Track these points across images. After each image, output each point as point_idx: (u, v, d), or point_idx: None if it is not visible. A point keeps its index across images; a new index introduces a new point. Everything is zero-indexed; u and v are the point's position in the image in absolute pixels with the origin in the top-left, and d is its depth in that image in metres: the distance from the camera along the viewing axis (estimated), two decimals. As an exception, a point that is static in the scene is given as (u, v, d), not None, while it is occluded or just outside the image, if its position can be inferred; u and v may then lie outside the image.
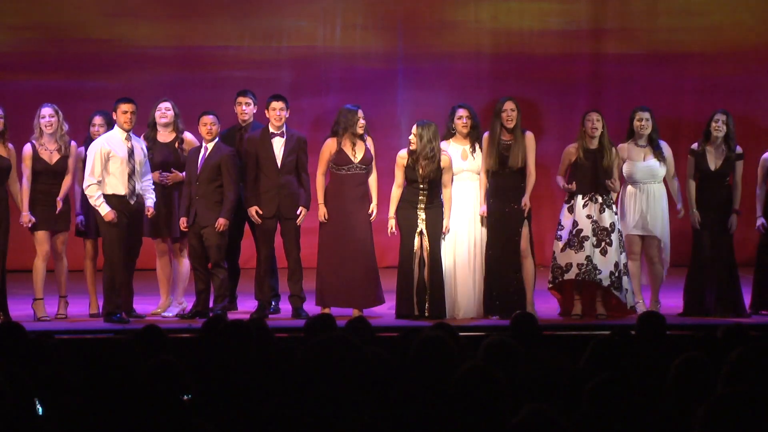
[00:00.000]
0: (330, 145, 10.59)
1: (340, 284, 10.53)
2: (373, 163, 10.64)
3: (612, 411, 4.98)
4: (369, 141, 10.65)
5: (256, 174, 10.62)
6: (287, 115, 10.68)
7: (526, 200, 10.53)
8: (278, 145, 10.63)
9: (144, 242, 10.78)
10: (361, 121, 10.56)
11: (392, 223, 10.58)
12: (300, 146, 10.65)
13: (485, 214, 10.55)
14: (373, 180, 10.64)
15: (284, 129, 10.65)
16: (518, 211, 10.53)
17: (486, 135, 10.57)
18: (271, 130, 10.64)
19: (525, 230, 10.56)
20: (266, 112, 10.69)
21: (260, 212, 10.59)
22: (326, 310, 10.36)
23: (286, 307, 10.87)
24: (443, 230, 10.52)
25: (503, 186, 10.55)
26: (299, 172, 10.67)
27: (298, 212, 10.65)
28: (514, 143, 10.50)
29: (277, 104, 10.61)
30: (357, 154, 10.58)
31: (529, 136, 10.60)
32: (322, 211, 10.57)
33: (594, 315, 10.53)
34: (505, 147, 10.51)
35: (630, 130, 10.70)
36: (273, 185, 10.61)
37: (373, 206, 10.59)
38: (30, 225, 10.42)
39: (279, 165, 10.60)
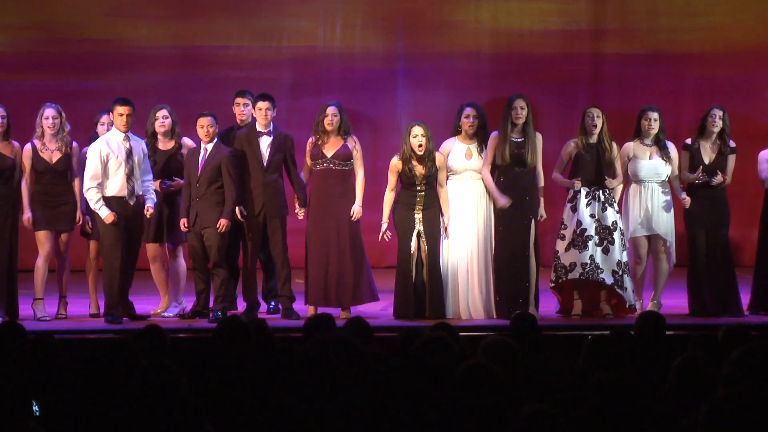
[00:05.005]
0: (309, 142, 10.62)
1: (323, 283, 10.52)
2: (356, 162, 10.58)
3: (612, 411, 4.98)
4: (351, 140, 10.60)
5: (244, 173, 10.61)
6: (274, 115, 10.65)
7: (542, 212, 10.54)
8: (265, 144, 10.61)
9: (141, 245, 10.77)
10: (329, 118, 10.53)
11: (384, 227, 10.56)
12: (287, 145, 10.63)
13: (504, 205, 10.49)
14: (359, 180, 10.60)
15: (271, 128, 10.64)
16: (526, 210, 10.51)
17: (494, 134, 10.55)
18: (258, 129, 10.63)
19: (532, 230, 10.56)
20: (253, 111, 10.69)
21: (244, 212, 10.57)
22: (312, 310, 10.39)
23: (285, 307, 10.86)
24: (443, 227, 10.51)
25: (512, 185, 10.52)
26: (289, 171, 10.65)
27: (296, 212, 10.65)
28: (527, 141, 10.47)
29: (263, 104, 10.58)
30: (329, 150, 10.56)
31: (538, 136, 10.59)
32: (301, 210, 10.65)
33: (600, 315, 10.52)
34: (516, 144, 10.50)
35: (637, 128, 10.70)
36: (258, 183, 10.58)
37: (357, 206, 10.55)
38: (29, 224, 10.45)
39: (265, 164, 10.58)
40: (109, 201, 10.26)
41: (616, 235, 10.48)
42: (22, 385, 5.02)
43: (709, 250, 10.62)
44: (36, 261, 10.50)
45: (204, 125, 10.50)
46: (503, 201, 10.48)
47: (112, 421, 5.11)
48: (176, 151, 10.80)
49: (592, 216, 10.50)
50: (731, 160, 10.63)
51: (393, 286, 10.64)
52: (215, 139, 10.57)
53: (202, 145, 10.56)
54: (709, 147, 10.64)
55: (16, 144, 10.54)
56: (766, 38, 14.60)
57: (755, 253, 10.87)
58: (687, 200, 10.62)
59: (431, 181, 10.53)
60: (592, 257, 10.43)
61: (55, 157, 10.51)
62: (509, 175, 10.51)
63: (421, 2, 14.65)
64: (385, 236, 10.58)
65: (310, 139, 10.65)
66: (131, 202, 10.35)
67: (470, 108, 10.71)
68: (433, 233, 10.53)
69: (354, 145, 10.60)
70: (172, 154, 10.79)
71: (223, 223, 10.43)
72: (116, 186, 10.30)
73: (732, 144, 10.67)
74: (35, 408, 5.21)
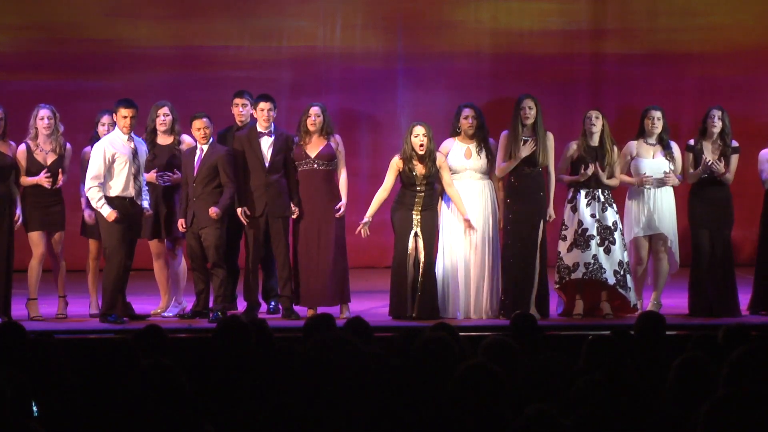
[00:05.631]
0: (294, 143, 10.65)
1: (308, 282, 10.52)
2: (339, 161, 10.57)
3: (612, 411, 4.97)
4: (334, 140, 10.59)
5: (244, 173, 10.60)
6: (275, 115, 10.65)
7: (551, 212, 10.54)
8: (266, 144, 10.60)
9: (142, 244, 10.77)
10: (312, 118, 10.52)
11: (365, 220, 10.48)
12: (288, 145, 10.63)
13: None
14: (342, 179, 10.59)
15: (272, 128, 10.63)
16: (536, 210, 10.51)
17: (504, 133, 10.55)
18: (259, 129, 10.62)
19: (540, 231, 10.56)
20: (254, 112, 10.69)
21: (248, 213, 10.57)
22: (311, 310, 10.38)
23: (285, 307, 10.86)
24: (466, 223, 10.45)
25: (522, 186, 10.53)
26: (288, 171, 10.64)
27: (291, 211, 10.61)
28: (538, 141, 10.46)
29: (264, 105, 10.57)
30: (312, 150, 10.55)
31: (549, 136, 10.59)
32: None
33: (601, 315, 10.53)
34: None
35: (641, 128, 10.70)
36: (260, 184, 10.58)
37: (342, 204, 10.51)
38: (17, 226, 10.45)
39: (267, 164, 10.58)
40: (112, 201, 10.26)
41: (617, 235, 10.50)
42: (22, 385, 5.03)
43: (711, 251, 10.62)
44: (30, 261, 10.50)
45: (200, 127, 10.49)
46: (528, 148, 10.43)
47: (112, 421, 5.11)
48: (175, 147, 10.80)
49: (592, 216, 10.51)
50: (734, 159, 10.64)
51: (387, 286, 10.61)
52: (211, 140, 10.57)
53: (198, 146, 10.56)
54: (712, 147, 10.65)
55: (13, 144, 10.54)
56: (766, 38, 14.61)
57: (755, 252, 10.87)
58: (672, 178, 10.61)
59: (431, 182, 10.52)
60: (595, 257, 10.44)
61: (50, 158, 10.51)
62: (519, 176, 10.52)
63: (421, 2, 14.64)
64: (363, 231, 10.52)
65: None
66: (138, 202, 10.37)
67: (468, 109, 10.71)
68: (431, 234, 10.51)
69: (337, 145, 10.59)
70: (172, 149, 10.78)
71: (213, 210, 10.39)
72: (120, 186, 10.29)
73: (735, 144, 10.67)
74: (34, 408, 5.21)
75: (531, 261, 10.49)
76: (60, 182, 10.50)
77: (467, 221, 10.46)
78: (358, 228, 10.50)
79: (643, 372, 6.23)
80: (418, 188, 10.50)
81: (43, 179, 10.39)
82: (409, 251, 10.48)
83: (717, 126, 10.62)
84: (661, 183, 10.62)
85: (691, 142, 10.74)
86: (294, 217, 10.63)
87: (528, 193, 10.54)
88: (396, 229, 10.57)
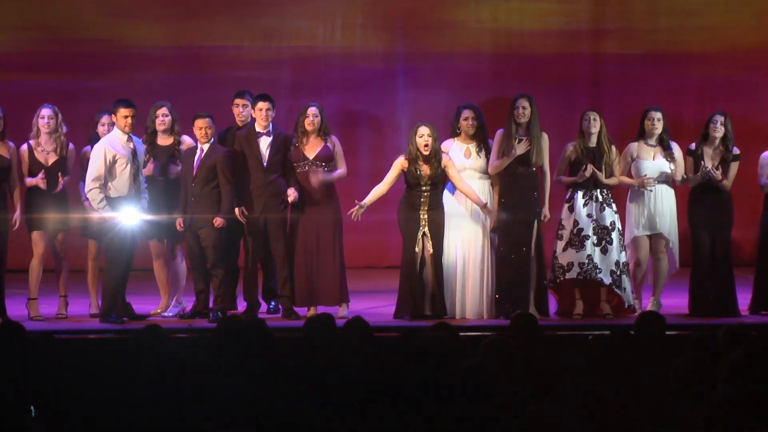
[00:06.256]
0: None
1: (305, 283, 10.52)
2: (339, 162, 10.56)
3: (609, 411, 4.98)
4: (331, 141, 10.59)
5: (243, 173, 10.60)
6: (273, 115, 10.65)
7: (546, 212, 10.53)
8: (264, 144, 10.60)
9: (142, 244, 10.76)
10: (310, 118, 10.53)
11: (362, 205, 10.40)
12: (286, 145, 10.62)
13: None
14: (337, 174, 10.54)
15: (270, 128, 10.63)
16: (529, 210, 10.51)
17: (500, 132, 10.55)
18: (258, 129, 10.62)
19: (534, 230, 10.55)
20: (252, 112, 10.69)
21: (245, 212, 10.57)
22: (312, 310, 10.38)
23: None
24: (484, 209, 10.42)
25: (516, 185, 10.51)
26: (287, 171, 10.63)
27: (288, 193, 10.56)
28: (533, 141, 10.45)
29: (263, 104, 10.57)
30: (310, 152, 10.56)
31: (545, 136, 10.58)
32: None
33: (600, 315, 10.53)
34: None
35: (641, 129, 10.70)
36: (259, 184, 10.57)
37: (316, 180, 10.46)
38: (16, 227, 10.44)
39: (265, 164, 10.57)
40: (114, 202, 10.25)
41: (615, 235, 10.49)
42: (22, 385, 5.03)
43: (711, 251, 10.62)
44: (31, 261, 10.50)
45: (202, 126, 10.49)
46: (523, 147, 10.43)
47: (112, 421, 5.11)
48: (175, 147, 10.80)
49: (589, 216, 10.50)
50: (734, 166, 10.62)
51: (391, 286, 10.62)
52: (212, 140, 10.57)
53: (199, 145, 10.56)
54: (712, 153, 10.63)
55: (11, 144, 10.53)
56: (766, 38, 14.61)
57: (755, 253, 10.87)
58: (677, 171, 10.60)
59: (436, 182, 10.50)
60: (590, 257, 10.44)
61: (51, 159, 10.50)
62: (513, 175, 10.51)
63: (421, 2, 14.65)
64: (355, 214, 10.44)
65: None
66: (138, 202, 10.36)
67: (468, 110, 10.71)
68: (439, 234, 10.49)
69: (334, 145, 10.58)
70: (172, 150, 10.78)
71: (218, 221, 10.41)
72: (120, 187, 10.29)
73: (736, 151, 10.65)
74: (32, 410, 5.22)
75: (525, 261, 10.49)
76: (60, 185, 10.49)
77: (484, 206, 10.44)
78: (352, 210, 10.45)
79: (643, 372, 6.23)
80: (423, 188, 10.49)
81: (39, 181, 10.39)
82: (417, 251, 10.45)
83: (719, 131, 10.60)
84: (664, 178, 10.60)
85: (692, 146, 10.72)
86: (290, 200, 10.52)
87: (522, 192, 10.53)
88: (403, 230, 10.55)
